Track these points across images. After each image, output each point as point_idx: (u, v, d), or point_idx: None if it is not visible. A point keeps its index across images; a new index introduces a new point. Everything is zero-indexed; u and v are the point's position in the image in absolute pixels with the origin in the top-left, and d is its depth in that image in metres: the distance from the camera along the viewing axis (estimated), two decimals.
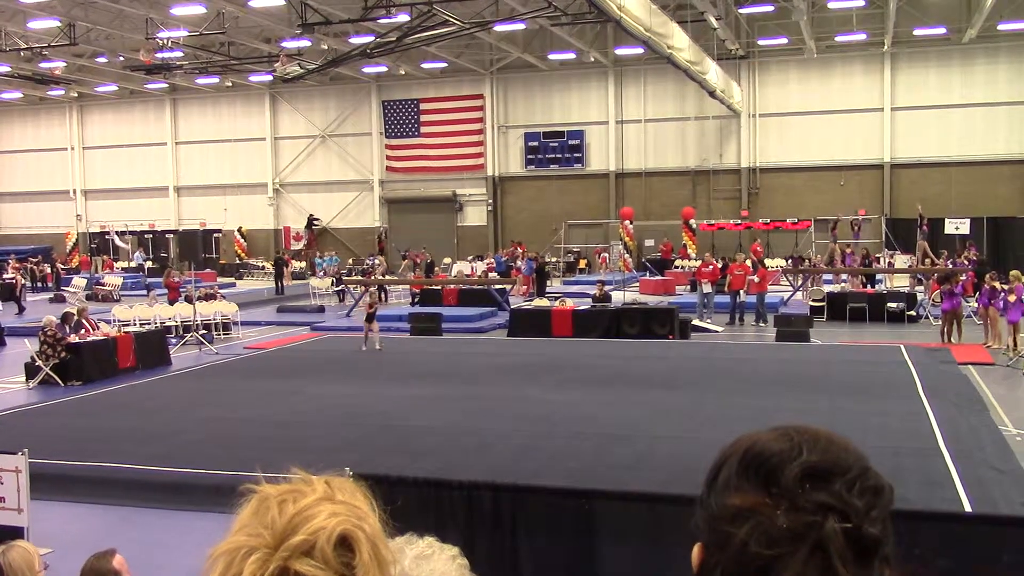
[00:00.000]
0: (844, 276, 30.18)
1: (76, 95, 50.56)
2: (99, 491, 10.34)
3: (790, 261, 35.51)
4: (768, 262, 35.38)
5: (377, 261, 39.10)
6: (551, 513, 6.88)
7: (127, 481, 10.52)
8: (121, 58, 40.51)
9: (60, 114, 52.94)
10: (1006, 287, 19.79)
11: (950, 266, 28.43)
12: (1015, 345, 18.61)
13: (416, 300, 30.16)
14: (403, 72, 44.34)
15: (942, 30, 37.91)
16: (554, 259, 40.43)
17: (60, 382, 17.16)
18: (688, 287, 31.50)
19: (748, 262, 25.88)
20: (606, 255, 40.16)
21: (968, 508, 8.86)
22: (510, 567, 6.70)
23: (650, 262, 38.54)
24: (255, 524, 1.07)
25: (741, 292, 24.75)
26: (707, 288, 25.22)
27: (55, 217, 52.44)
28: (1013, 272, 19.79)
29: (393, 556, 1.12)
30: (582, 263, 41.97)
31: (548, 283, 33.35)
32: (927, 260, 31.10)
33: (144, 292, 31.80)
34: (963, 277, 24.42)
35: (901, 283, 30.87)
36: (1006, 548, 6.03)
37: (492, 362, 18.58)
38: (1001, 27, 36.54)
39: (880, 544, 1.06)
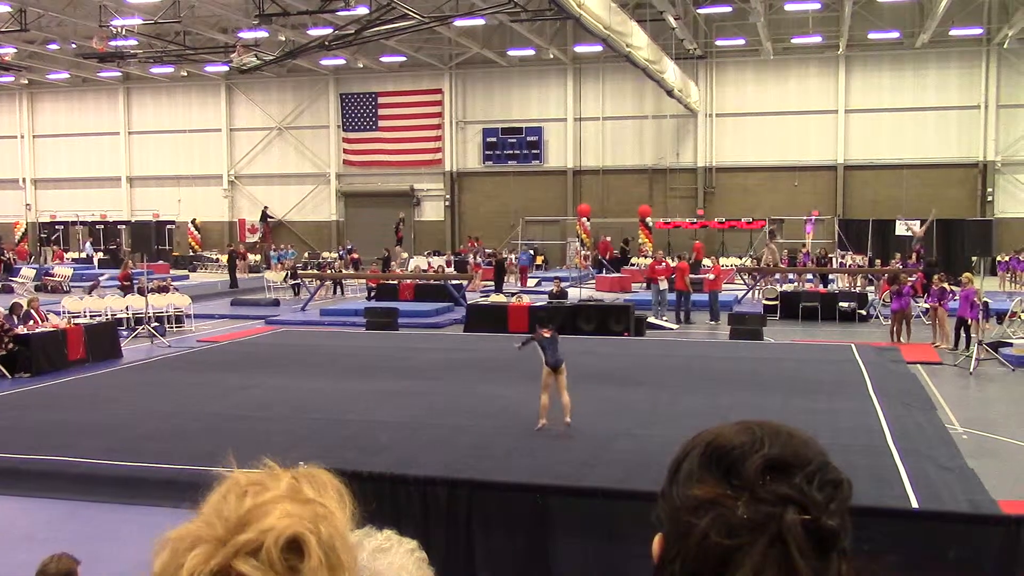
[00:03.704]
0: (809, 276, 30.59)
1: (26, 82, 49.62)
2: (46, 485, 10.18)
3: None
4: (723, 261, 35.83)
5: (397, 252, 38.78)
6: (506, 508, 6.89)
7: (75, 475, 10.35)
8: (73, 45, 39.83)
9: (9, 101, 51.92)
10: (956, 288, 20.16)
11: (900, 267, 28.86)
12: (961, 343, 19.00)
13: (372, 295, 30.01)
14: (361, 65, 44.10)
15: (896, 34, 38.50)
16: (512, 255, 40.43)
17: (7, 374, 16.86)
18: (644, 284, 31.69)
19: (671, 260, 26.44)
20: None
21: (915, 504, 9.01)
22: (466, 562, 6.71)
23: (602, 259, 38.70)
24: (213, 513, 1.04)
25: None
26: (663, 285, 25.39)
27: (3, 206, 51.41)
28: (966, 275, 20.16)
29: (353, 561, 1.07)
30: (539, 259, 42.00)
31: (505, 279, 33.35)
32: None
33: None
34: (912, 278, 24.82)
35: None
36: (952, 544, 6.15)
37: (448, 357, 18.56)
38: (953, 32, 37.17)
39: (838, 537, 1.07)
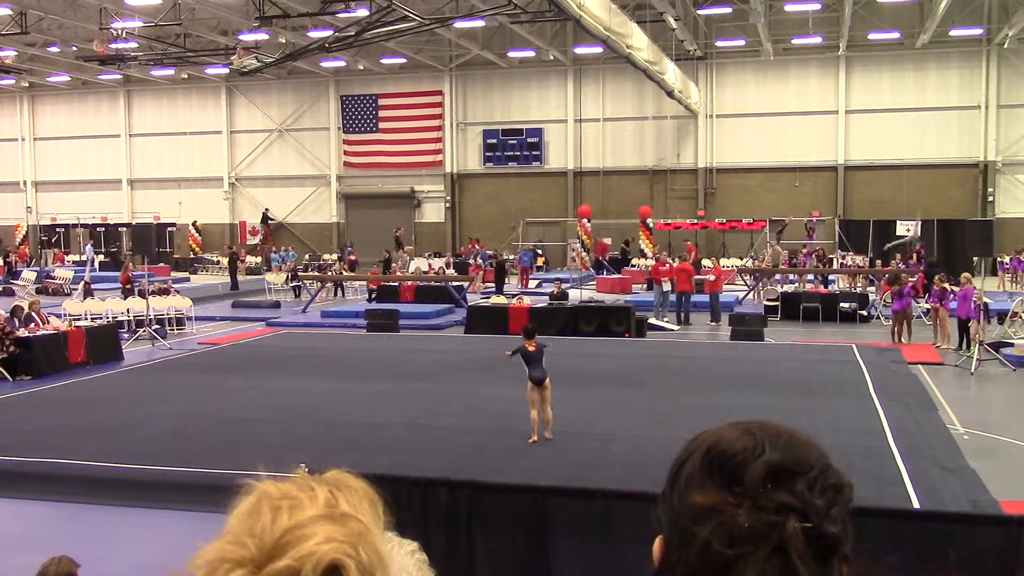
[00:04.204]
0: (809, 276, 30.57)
1: (27, 85, 49.64)
2: (47, 487, 10.18)
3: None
4: (724, 261, 35.81)
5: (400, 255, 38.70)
6: (507, 510, 6.88)
7: (75, 477, 10.35)
8: (74, 48, 39.84)
9: (10, 104, 51.94)
10: (956, 288, 20.15)
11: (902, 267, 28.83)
12: (964, 344, 19.01)
13: (373, 296, 30.02)
14: (362, 67, 44.10)
15: (896, 35, 38.49)
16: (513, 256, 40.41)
17: (8, 377, 16.85)
18: (645, 285, 31.69)
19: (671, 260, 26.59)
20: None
21: (917, 505, 9.01)
22: (466, 564, 6.70)
23: (602, 261, 38.70)
24: (244, 530, 1.00)
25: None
26: (666, 287, 25.38)
27: (4, 209, 51.45)
28: (964, 275, 20.15)
29: None
30: (539, 261, 41.98)
31: (506, 280, 33.36)
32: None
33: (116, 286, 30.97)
34: (912, 278, 24.81)
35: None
36: (953, 544, 6.15)
37: (449, 359, 18.56)
38: (953, 33, 37.17)
39: (839, 543, 1.08)
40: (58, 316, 20.86)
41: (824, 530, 1.06)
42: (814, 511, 1.07)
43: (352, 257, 37.76)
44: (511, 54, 42.30)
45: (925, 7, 37.15)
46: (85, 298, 26.01)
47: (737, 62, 42.15)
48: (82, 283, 28.35)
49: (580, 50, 40.81)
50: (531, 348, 11.46)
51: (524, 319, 22.42)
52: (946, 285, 20.61)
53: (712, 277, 25.47)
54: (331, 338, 22.46)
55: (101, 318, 22.54)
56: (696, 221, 41.48)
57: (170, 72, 45.22)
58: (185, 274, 41.44)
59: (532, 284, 34.70)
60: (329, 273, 34.44)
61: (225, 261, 38.76)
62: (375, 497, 1.10)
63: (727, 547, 1.06)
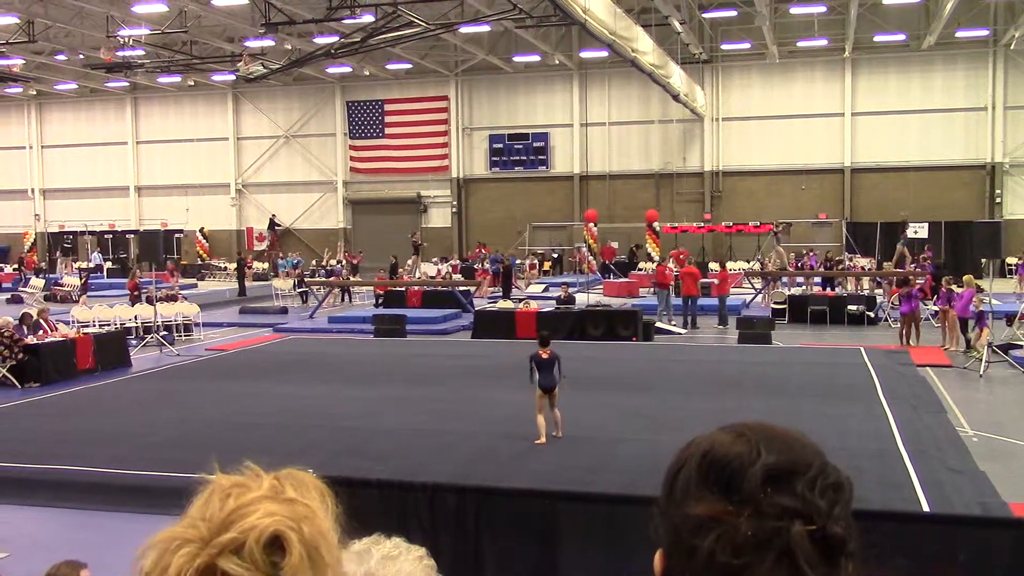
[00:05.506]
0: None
1: (35, 93, 49.83)
2: (56, 494, 10.21)
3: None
4: (730, 264, 35.77)
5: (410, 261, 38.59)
6: (515, 514, 6.89)
7: (85, 484, 10.38)
8: (81, 56, 39.99)
9: (18, 112, 52.13)
10: (959, 290, 20.12)
11: (910, 269, 28.74)
12: (968, 345, 18.96)
13: (380, 301, 30.05)
14: (367, 73, 44.18)
15: (902, 37, 38.44)
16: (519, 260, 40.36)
17: (17, 384, 16.89)
18: (651, 289, 31.65)
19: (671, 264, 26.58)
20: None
21: (926, 508, 8.99)
22: (474, 568, 6.71)
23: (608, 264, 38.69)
24: (197, 515, 1.06)
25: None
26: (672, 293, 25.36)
27: (13, 217, 51.65)
28: (966, 276, 20.13)
29: (337, 561, 1.08)
30: (546, 265, 41.98)
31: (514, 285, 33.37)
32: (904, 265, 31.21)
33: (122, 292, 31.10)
34: (920, 281, 24.76)
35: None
36: (962, 546, 6.14)
37: (456, 364, 18.56)
38: (959, 34, 37.10)
39: (845, 543, 1.07)
40: (66, 323, 20.93)
41: (829, 531, 1.05)
42: (817, 512, 1.06)
43: (354, 260, 37.63)
44: (516, 59, 42.33)
45: (931, 9, 37.09)
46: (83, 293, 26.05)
47: (743, 65, 42.12)
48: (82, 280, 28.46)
49: (585, 54, 40.83)
50: (545, 356, 11.51)
51: (532, 323, 22.46)
52: (954, 287, 20.58)
53: (718, 281, 25.45)
54: (338, 343, 22.49)
55: (109, 325, 22.59)
56: (702, 224, 41.46)
57: (177, 79, 45.33)
58: (193, 280, 41.50)
59: (539, 288, 34.71)
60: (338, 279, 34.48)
61: (233, 266, 38.70)
62: (325, 490, 1.14)
63: (732, 557, 1.05)
